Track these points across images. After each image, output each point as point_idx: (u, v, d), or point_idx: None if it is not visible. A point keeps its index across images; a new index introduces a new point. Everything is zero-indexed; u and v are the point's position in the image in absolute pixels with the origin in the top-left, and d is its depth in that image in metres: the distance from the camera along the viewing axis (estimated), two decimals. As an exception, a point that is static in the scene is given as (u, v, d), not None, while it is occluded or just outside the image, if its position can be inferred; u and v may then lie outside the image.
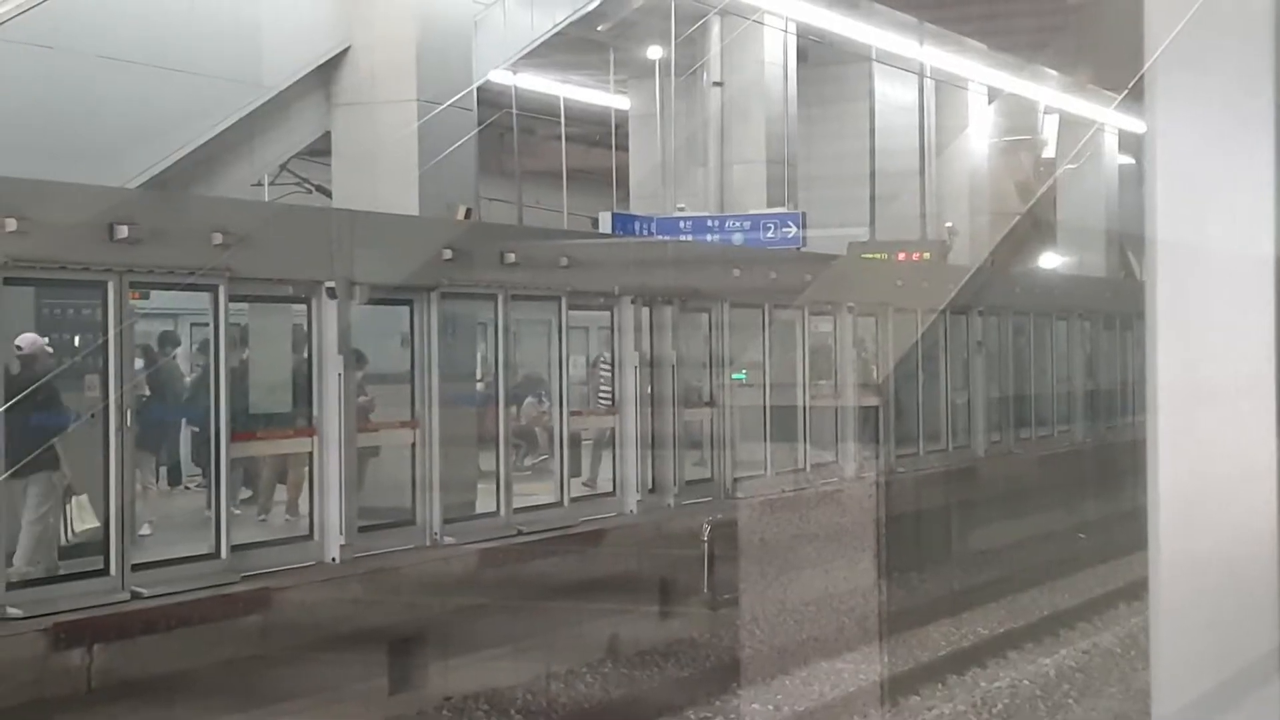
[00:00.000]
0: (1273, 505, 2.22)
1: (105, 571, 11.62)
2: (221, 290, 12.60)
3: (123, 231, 11.77)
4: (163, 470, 15.38)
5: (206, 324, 13.03)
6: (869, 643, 16.10)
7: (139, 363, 13.28)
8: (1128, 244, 40.97)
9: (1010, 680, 15.09)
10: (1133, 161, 43.12)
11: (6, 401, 11.22)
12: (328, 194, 23.76)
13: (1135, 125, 39.61)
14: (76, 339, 12.51)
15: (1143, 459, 2.38)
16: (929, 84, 34.88)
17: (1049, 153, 40.50)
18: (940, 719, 13.51)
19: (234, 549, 12.64)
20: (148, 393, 13.91)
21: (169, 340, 16.02)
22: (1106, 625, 17.98)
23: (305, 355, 13.88)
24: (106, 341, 11.68)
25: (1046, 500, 24.81)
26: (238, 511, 13.69)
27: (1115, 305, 29.87)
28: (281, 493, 14.77)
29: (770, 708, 14.17)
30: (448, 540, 14.71)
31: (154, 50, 18.05)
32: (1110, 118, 40.04)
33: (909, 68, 33.75)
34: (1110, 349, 30.02)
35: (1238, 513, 2.27)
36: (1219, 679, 2.26)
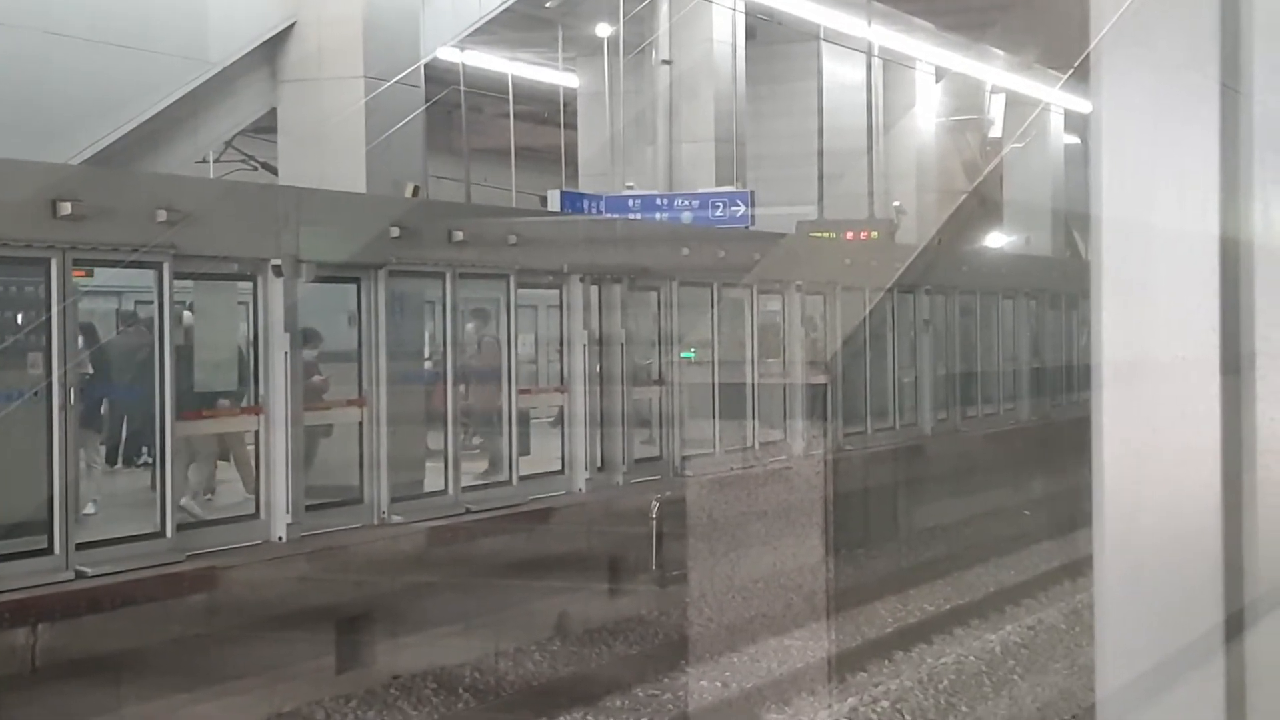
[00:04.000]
0: (1217, 482, 2.23)
1: (49, 550, 11.54)
2: (166, 268, 12.51)
3: (66, 208, 11.67)
4: (103, 449, 15.27)
5: (151, 302, 12.94)
6: (817, 620, 16.16)
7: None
8: (1073, 223, 41.21)
9: (956, 656, 15.18)
10: (1078, 141, 43.36)
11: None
12: (273, 171, 23.60)
13: (1080, 104, 39.83)
14: (19, 317, 12.39)
15: (1088, 436, 2.38)
16: (877, 63, 34.91)
17: (995, 132, 40.68)
18: (887, 695, 13.56)
19: (179, 528, 12.57)
20: (90, 371, 13.79)
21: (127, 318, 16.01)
22: (1051, 601, 18.10)
23: (251, 333, 13.81)
24: (49, 319, 11.59)
25: (992, 478, 24.96)
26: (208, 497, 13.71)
27: (1061, 284, 30.05)
28: (225, 471, 14.69)
29: (718, 685, 14.20)
30: (396, 519, 14.68)
31: (100, 25, 17.87)
32: (1056, 97, 40.22)
33: (857, 47, 33.78)
34: (1056, 327, 30.21)
35: (1182, 490, 2.28)
36: (1164, 655, 2.28)
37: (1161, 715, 2.25)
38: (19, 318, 12.06)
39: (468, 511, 15.54)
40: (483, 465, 17.00)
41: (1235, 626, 2.25)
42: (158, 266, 12.49)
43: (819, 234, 28.14)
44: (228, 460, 14.71)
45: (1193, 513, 2.25)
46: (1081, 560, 18.05)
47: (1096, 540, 2.23)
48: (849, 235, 27.55)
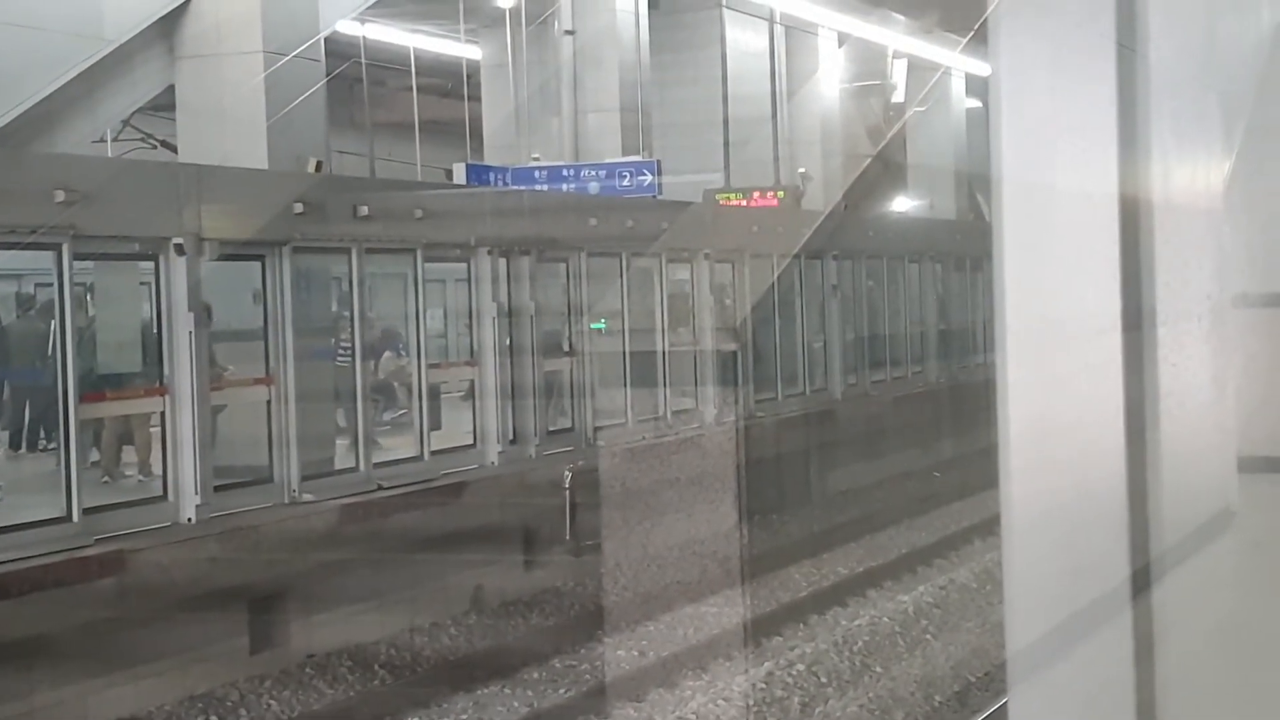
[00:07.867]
0: (1121, 437, 2.25)
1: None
2: (65, 249, 12.33)
3: (-40, 190, 11.48)
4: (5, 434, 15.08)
5: (51, 284, 12.76)
6: (731, 586, 16.23)
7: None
8: (976, 186, 41.51)
9: (870, 618, 15.31)
10: (980, 105, 43.68)
11: None
12: (173, 149, 23.28)
13: (981, 68, 40.08)
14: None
15: (993, 396, 2.39)
16: (779, 29, 34.95)
17: (898, 97, 40.86)
18: (803, 658, 13.66)
19: (86, 512, 12.41)
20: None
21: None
22: (963, 561, 18.29)
23: (154, 313, 13.65)
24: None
25: (902, 440, 25.17)
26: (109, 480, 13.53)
27: (965, 247, 30.29)
28: (131, 454, 14.53)
29: (635, 654, 14.24)
30: (306, 497, 14.58)
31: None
32: (957, 60, 40.47)
33: (759, 14, 33.79)
34: (961, 290, 30.47)
35: (1087, 446, 2.30)
36: (1072, 610, 2.29)
37: (1072, 669, 2.27)
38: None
39: (380, 488, 15.47)
40: (394, 441, 16.92)
41: (1142, 580, 2.28)
42: (57, 248, 12.31)
43: (726, 195, 28.27)
44: (132, 443, 14.55)
45: (1098, 468, 2.27)
46: (991, 519, 18.25)
47: (1003, 499, 2.24)
48: (755, 195, 27.72)
